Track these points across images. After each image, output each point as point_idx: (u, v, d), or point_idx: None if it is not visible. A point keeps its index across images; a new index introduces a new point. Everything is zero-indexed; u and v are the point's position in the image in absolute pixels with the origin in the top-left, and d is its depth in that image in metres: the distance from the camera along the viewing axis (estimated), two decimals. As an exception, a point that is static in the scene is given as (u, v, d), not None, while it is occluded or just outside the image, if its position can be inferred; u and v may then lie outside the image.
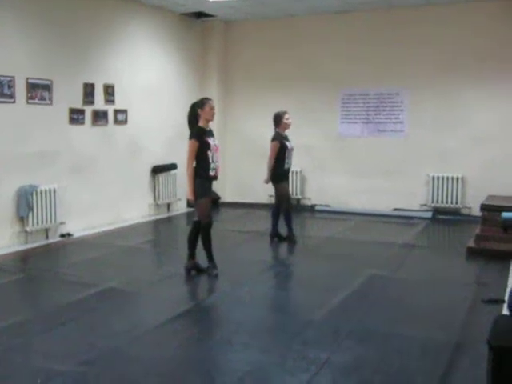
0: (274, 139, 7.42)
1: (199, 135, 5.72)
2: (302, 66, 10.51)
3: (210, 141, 5.77)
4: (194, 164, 5.74)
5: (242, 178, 11.05)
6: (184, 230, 8.31)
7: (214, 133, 6.09)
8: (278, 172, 7.43)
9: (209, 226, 5.86)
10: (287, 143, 7.46)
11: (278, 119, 7.46)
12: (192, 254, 6.00)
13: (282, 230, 7.66)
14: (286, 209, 7.55)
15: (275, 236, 7.67)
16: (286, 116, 7.46)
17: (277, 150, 7.35)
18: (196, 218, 5.95)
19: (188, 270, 5.99)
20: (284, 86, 10.59)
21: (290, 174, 8.10)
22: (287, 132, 7.55)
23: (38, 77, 7.42)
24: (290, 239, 7.60)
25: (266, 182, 7.63)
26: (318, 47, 10.38)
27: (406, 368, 3.74)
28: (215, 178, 5.86)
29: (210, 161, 5.73)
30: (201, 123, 5.79)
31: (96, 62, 8.46)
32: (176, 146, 9.93)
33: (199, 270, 6.00)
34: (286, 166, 7.47)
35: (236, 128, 11.12)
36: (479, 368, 3.47)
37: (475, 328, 4.47)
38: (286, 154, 7.42)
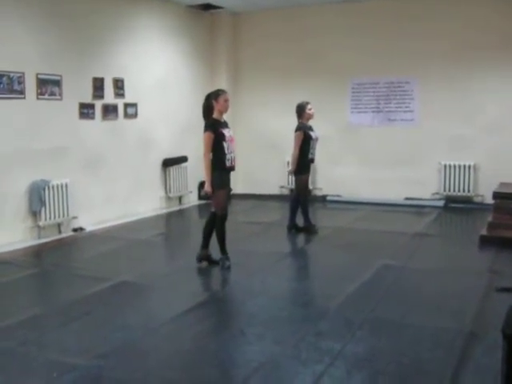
0: (298, 129, 7.37)
1: (214, 127, 5.72)
2: (312, 56, 10.45)
3: (225, 132, 5.77)
4: (211, 156, 5.74)
5: (252, 170, 11.04)
6: (196, 223, 8.37)
7: (225, 125, 6.09)
8: (302, 163, 7.37)
9: (224, 218, 5.88)
10: (311, 133, 7.42)
11: (301, 110, 7.42)
12: (206, 244, 6.01)
13: (298, 221, 7.65)
14: (302, 200, 7.55)
15: (292, 227, 7.66)
16: (309, 106, 7.42)
17: (301, 140, 7.31)
18: (213, 209, 5.96)
19: (199, 259, 6.01)
20: (294, 77, 10.55)
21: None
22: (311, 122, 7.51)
23: (48, 72, 7.44)
24: (310, 230, 7.57)
25: (290, 172, 7.63)
26: (328, 37, 10.31)
27: (420, 358, 3.73)
28: (232, 168, 5.86)
29: (226, 151, 5.73)
30: (215, 115, 5.79)
31: (105, 56, 8.47)
32: (186, 139, 9.95)
33: (212, 262, 6.01)
34: (310, 156, 7.43)
35: (245, 120, 11.09)
36: (493, 357, 3.47)
37: (488, 317, 4.46)
38: (311, 144, 7.39)
